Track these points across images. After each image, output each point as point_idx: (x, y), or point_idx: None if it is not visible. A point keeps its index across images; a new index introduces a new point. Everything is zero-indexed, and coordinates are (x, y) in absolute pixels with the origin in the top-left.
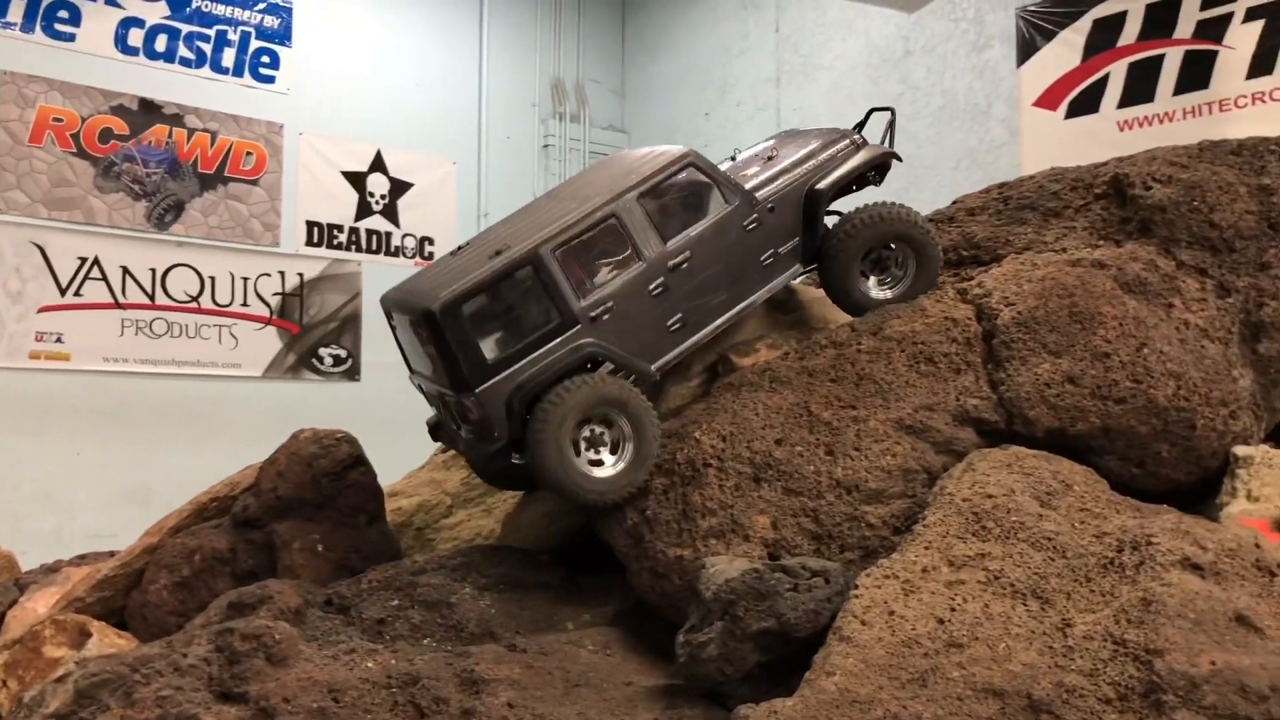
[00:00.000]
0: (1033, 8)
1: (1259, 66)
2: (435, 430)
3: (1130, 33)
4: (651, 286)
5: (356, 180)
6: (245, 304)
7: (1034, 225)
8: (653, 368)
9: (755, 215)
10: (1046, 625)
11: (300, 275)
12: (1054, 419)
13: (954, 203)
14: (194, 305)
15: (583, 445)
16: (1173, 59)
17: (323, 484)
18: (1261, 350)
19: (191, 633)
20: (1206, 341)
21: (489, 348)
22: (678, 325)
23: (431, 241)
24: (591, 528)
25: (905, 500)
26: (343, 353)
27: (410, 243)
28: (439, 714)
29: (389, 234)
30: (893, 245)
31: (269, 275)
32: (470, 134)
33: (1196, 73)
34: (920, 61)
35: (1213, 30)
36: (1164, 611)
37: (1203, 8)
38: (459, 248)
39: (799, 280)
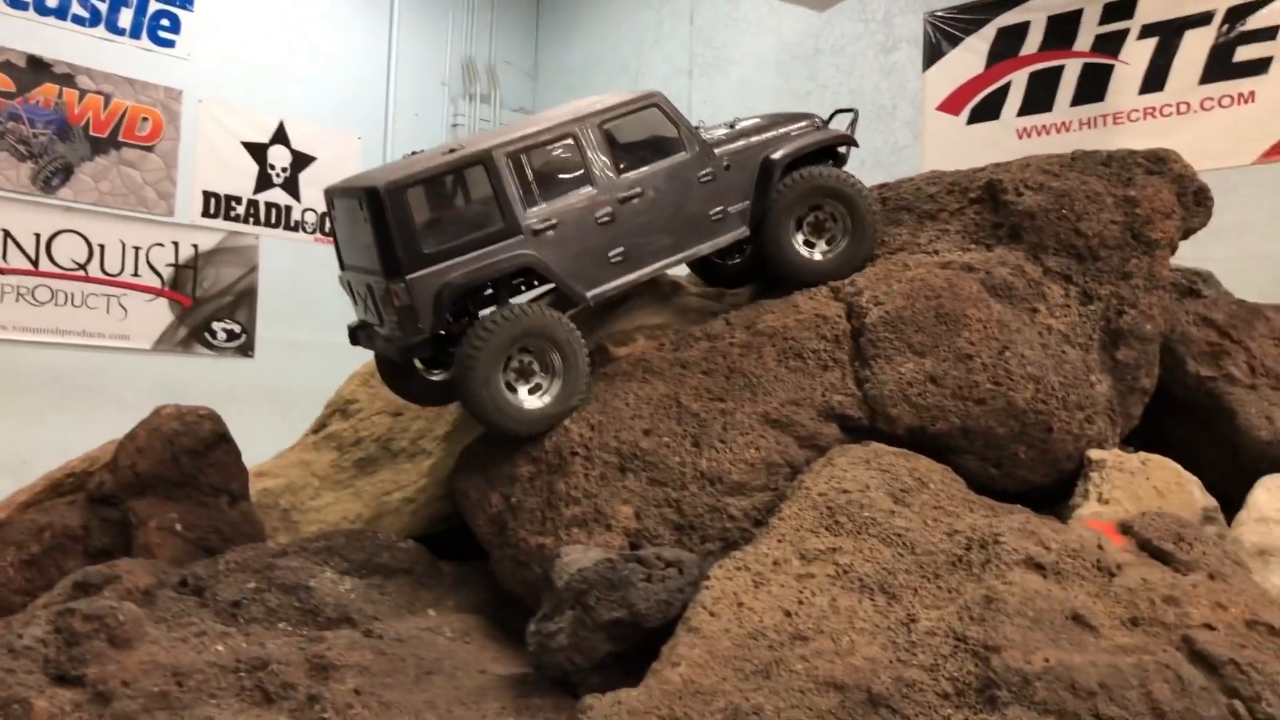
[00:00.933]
0: (940, 13)
1: (1151, 82)
2: (355, 334)
3: (1033, 42)
4: (599, 214)
5: (257, 152)
6: (136, 274)
7: (909, 226)
8: (588, 294)
9: (711, 169)
10: (891, 620)
11: (195, 247)
12: (915, 417)
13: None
14: (81, 273)
15: (512, 375)
16: (1072, 70)
17: (184, 462)
18: (1120, 357)
19: (32, 613)
20: (1067, 347)
21: (427, 238)
22: (619, 258)
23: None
24: (460, 513)
25: (768, 493)
26: (237, 328)
27: (311, 217)
28: (285, 699)
29: (289, 208)
30: (827, 207)
31: (162, 245)
32: (377, 109)
33: (1094, 85)
34: (830, 60)
35: (1110, 44)
36: (1004, 609)
37: (1101, 22)
38: (413, 152)
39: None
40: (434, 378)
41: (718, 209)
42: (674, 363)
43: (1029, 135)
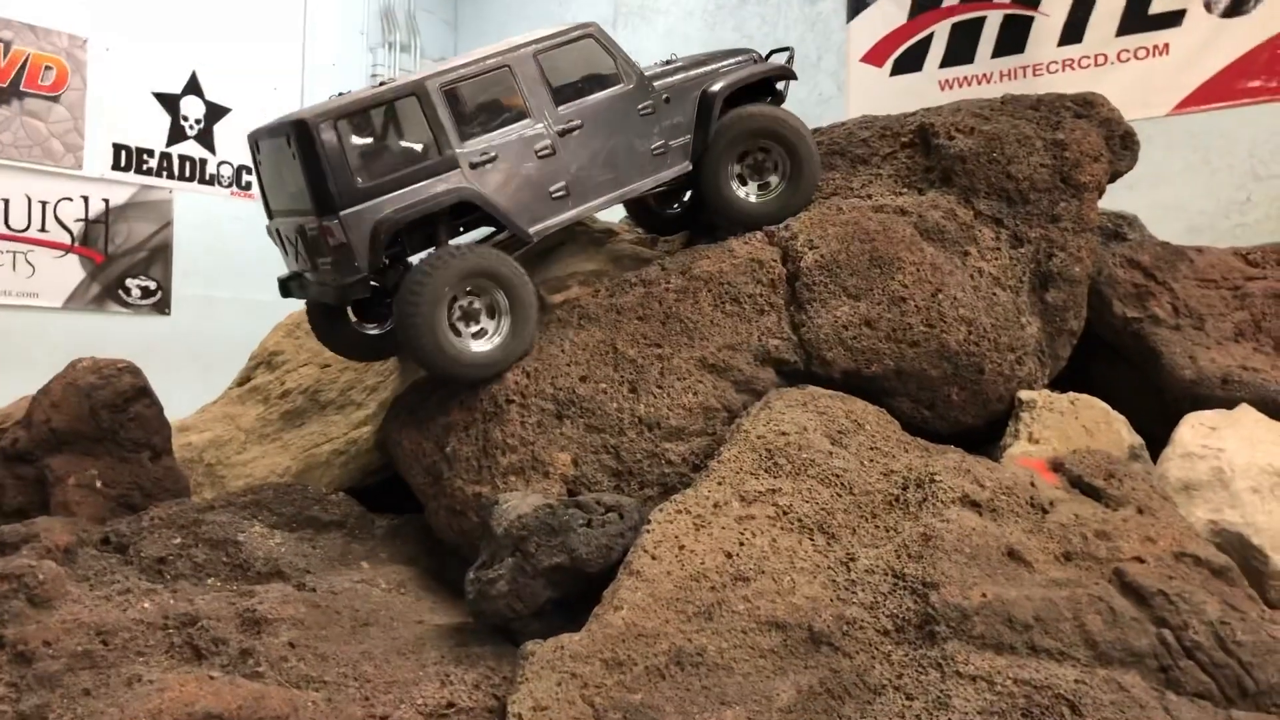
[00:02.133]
0: None
1: (1070, 34)
2: (286, 285)
3: None
4: (538, 147)
5: (169, 102)
6: (44, 229)
7: (842, 171)
8: (530, 229)
9: (650, 102)
10: (831, 559)
11: (105, 201)
12: (850, 360)
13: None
14: None
15: (456, 318)
16: (993, 22)
17: (102, 416)
18: (1049, 299)
19: None
20: (998, 289)
21: (361, 172)
22: (561, 193)
23: (249, 171)
24: (392, 465)
25: (705, 438)
26: (152, 284)
27: (227, 171)
28: (217, 655)
29: (204, 160)
30: (766, 148)
31: (70, 200)
32: (294, 59)
33: (1014, 37)
34: (755, 10)
35: None
36: (941, 546)
37: None
38: (340, 93)
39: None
40: (368, 330)
41: (659, 144)
42: (610, 309)
43: (951, 87)
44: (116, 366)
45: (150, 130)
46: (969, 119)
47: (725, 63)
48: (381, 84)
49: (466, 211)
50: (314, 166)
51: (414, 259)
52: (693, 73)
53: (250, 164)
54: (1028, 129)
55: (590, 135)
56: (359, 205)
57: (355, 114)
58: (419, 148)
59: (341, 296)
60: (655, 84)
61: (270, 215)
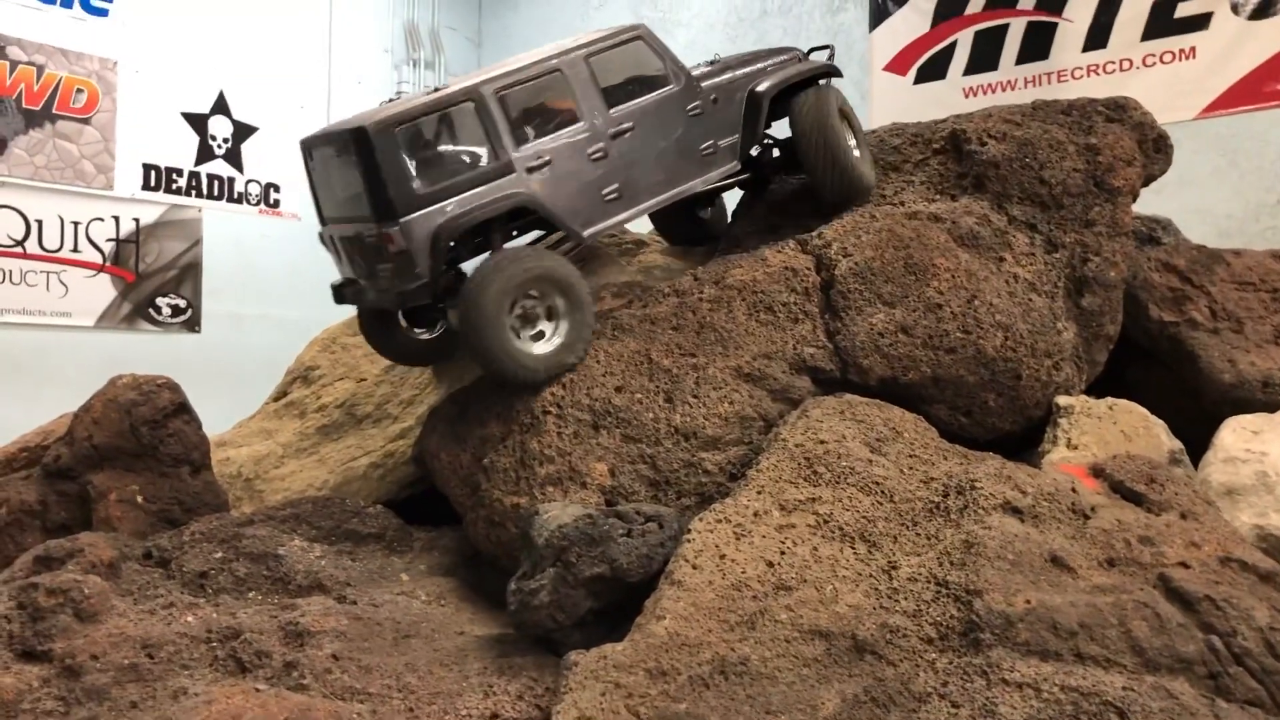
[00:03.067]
0: None
1: (1094, 40)
2: (341, 291)
3: (977, 1)
4: (591, 150)
5: (197, 122)
6: (76, 249)
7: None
8: (585, 233)
9: (699, 103)
10: (873, 568)
11: (136, 220)
12: (887, 368)
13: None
14: (18, 250)
15: (516, 321)
16: (1016, 29)
17: (142, 432)
18: (1085, 304)
19: None
20: (1034, 295)
21: (419, 179)
22: (614, 195)
23: (277, 189)
24: (429, 477)
25: (742, 447)
26: (182, 303)
27: (255, 189)
28: (261, 667)
29: (232, 179)
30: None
31: (102, 220)
32: (320, 78)
33: (1038, 43)
34: (776, 22)
35: (1053, 2)
36: (984, 553)
37: None
38: (393, 98)
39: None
40: (419, 336)
41: (708, 144)
42: (643, 319)
43: (975, 94)
44: (156, 383)
45: (179, 150)
46: (1000, 125)
47: (770, 61)
48: (435, 89)
49: (520, 215)
50: (373, 174)
51: (467, 263)
52: (739, 72)
53: (304, 171)
54: (1060, 134)
55: (641, 137)
56: (418, 212)
57: (412, 121)
58: (475, 153)
59: (402, 302)
60: (703, 85)
61: (323, 222)
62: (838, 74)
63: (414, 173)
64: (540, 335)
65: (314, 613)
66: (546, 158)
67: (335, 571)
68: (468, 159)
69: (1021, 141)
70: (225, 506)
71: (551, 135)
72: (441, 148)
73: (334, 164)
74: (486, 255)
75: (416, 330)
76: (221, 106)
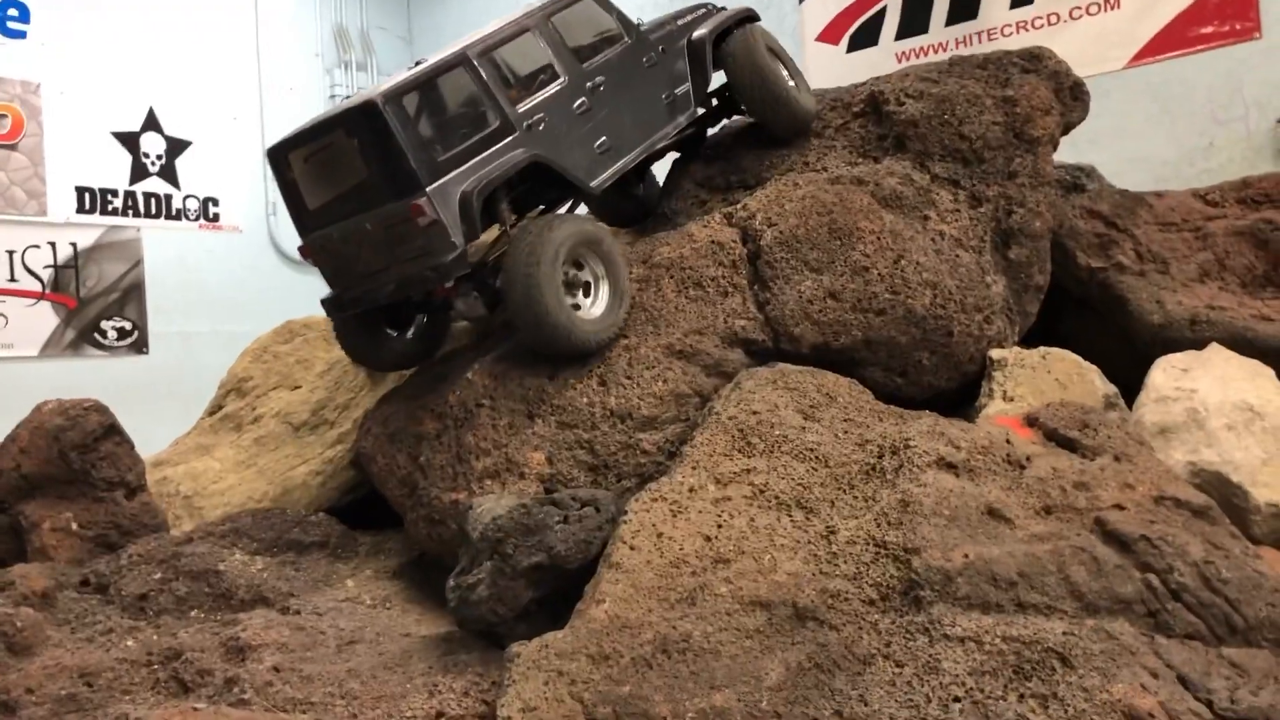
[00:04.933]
0: None
1: None
2: (339, 301)
3: None
4: (576, 104)
5: (129, 141)
6: (13, 279)
7: (797, 146)
8: (591, 184)
9: (651, 54)
10: (811, 534)
11: (73, 245)
12: (818, 335)
13: (721, 128)
14: None
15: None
16: None
17: (72, 458)
18: (1012, 256)
19: None
20: (961, 251)
21: (436, 146)
22: (605, 148)
23: (216, 202)
24: (369, 481)
25: (679, 424)
26: (127, 325)
27: (193, 204)
28: (203, 686)
29: (169, 196)
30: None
31: (38, 247)
32: (250, 87)
33: (966, 3)
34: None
35: None
36: (920, 511)
37: None
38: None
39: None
40: (401, 339)
41: (667, 93)
42: None
43: (908, 58)
44: (83, 406)
45: (112, 170)
46: (917, 83)
47: (691, 15)
48: (417, 63)
49: (522, 181)
50: (390, 147)
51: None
52: (673, 25)
53: (277, 182)
54: (976, 88)
55: (613, 90)
56: (443, 178)
57: (415, 89)
58: (478, 116)
59: (441, 277)
60: (649, 37)
61: (308, 230)
62: (756, 18)
63: (430, 140)
64: (582, 303)
65: (255, 626)
66: (541, 114)
67: (278, 583)
68: (473, 122)
69: (939, 99)
70: (164, 527)
71: (539, 93)
72: (446, 115)
73: (326, 158)
74: (520, 227)
75: (398, 333)
76: (152, 123)
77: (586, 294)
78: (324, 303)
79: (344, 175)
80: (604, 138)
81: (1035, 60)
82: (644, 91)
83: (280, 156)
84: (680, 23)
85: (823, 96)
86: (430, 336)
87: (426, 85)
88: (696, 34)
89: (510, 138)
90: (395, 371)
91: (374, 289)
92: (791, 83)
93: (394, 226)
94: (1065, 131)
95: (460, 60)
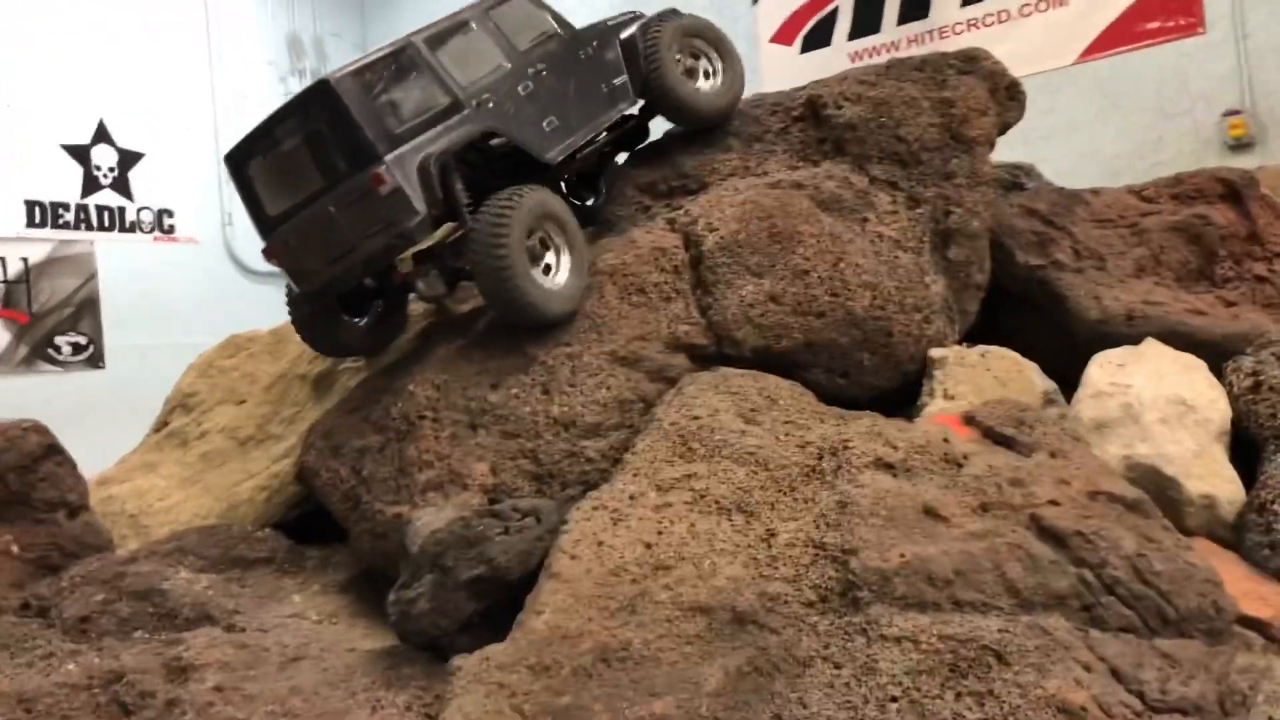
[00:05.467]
0: None
1: None
2: (309, 297)
3: None
4: (520, 87)
5: (79, 153)
6: None
7: (738, 151)
8: (545, 156)
9: (586, 48)
10: (751, 538)
11: (24, 260)
12: (760, 338)
13: (664, 134)
14: None
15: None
16: None
17: (10, 480)
18: (951, 256)
19: None
20: (900, 252)
21: (390, 119)
22: (553, 126)
23: (171, 214)
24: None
25: (623, 431)
26: (83, 339)
27: (147, 216)
28: (145, 709)
29: (122, 209)
30: (699, 44)
31: None
32: (204, 97)
33: (917, 2)
34: (661, 3)
35: None
36: (858, 512)
37: None
38: None
39: None
40: (358, 324)
41: (605, 84)
42: None
43: (861, 58)
44: (21, 427)
45: (63, 183)
46: (855, 87)
47: (624, 17)
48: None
49: (473, 163)
50: (347, 122)
51: None
52: (605, 26)
53: (236, 188)
54: (913, 90)
55: (555, 76)
56: (399, 149)
57: (364, 72)
58: (427, 94)
59: (409, 242)
60: (581, 34)
61: (270, 229)
62: (679, 14)
63: (384, 114)
64: (547, 270)
65: (199, 645)
66: (487, 94)
67: (223, 600)
68: (423, 101)
69: (877, 102)
70: (109, 546)
71: (485, 77)
72: (396, 94)
73: (282, 155)
74: (483, 205)
75: (355, 319)
76: (103, 135)
77: (549, 264)
78: (289, 302)
79: (300, 167)
80: (551, 117)
81: (971, 61)
82: (584, 80)
83: (239, 159)
84: (610, 24)
85: (762, 101)
86: (389, 323)
87: (376, 66)
88: (625, 33)
89: (460, 114)
90: (349, 356)
91: (341, 273)
92: (706, 81)
93: (356, 201)
94: (1002, 131)
95: (406, 45)
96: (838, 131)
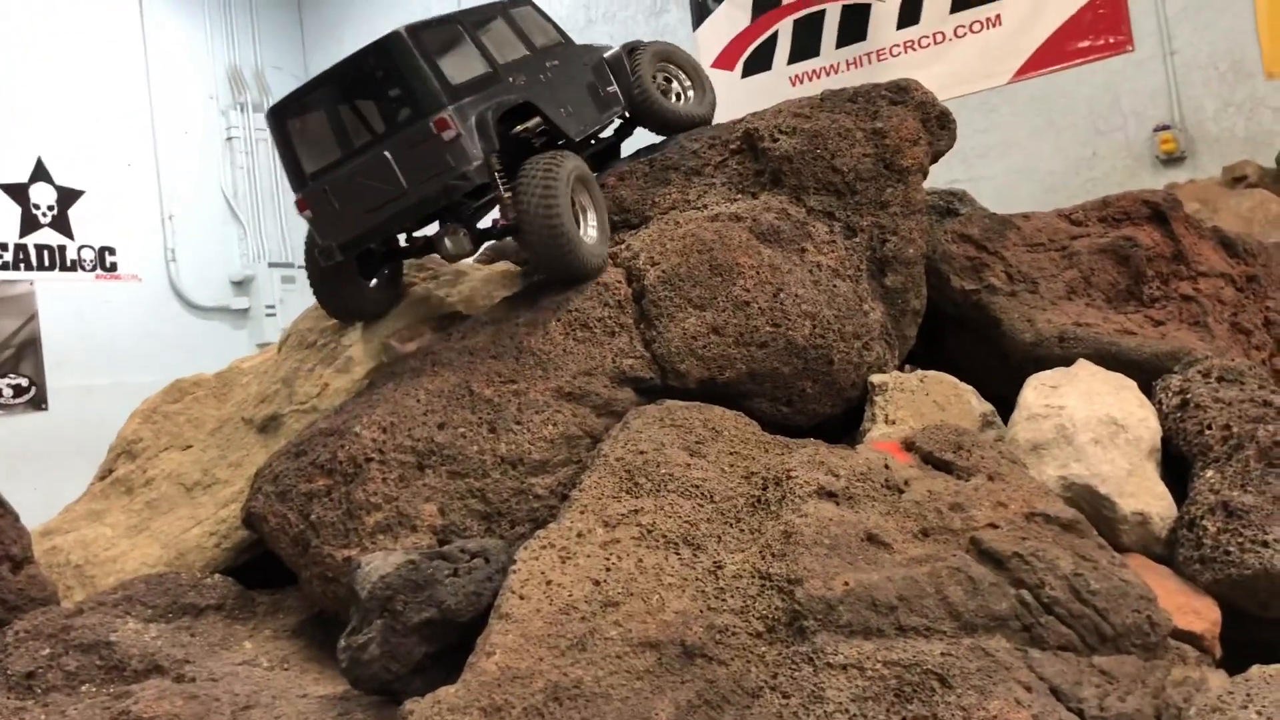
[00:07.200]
0: None
1: (907, 17)
2: (327, 252)
3: None
4: (540, 75)
5: (17, 192)
6: None
7: (678, 185)
8: (572, 131)
9: (584, 59)
10: (698, 570)
11: None
12: (703, 370)
13: (606, 170)
14: None
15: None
16: (833, 14)
17: None
18: (888, 283)
19: None
20: (838, 280)
21: (452, 73)
22: (568, 112)
23: (113, 251)
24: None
25: (571, 467)
26: (24, 381)
27: (89, 255)
28: None
29: (63, 247)
30: (670, 66)
31: None
32: (144, 132)
33: (854, 25)
34: (603, 30)
35: None
36: (802, 541)
37: None
38: None
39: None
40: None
41: (600, 88)
42: (462, 351)
43: (801, 81)
44: None
45: (0, 223)
46: (790, 119)
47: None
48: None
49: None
50: (416, 69)
51: None
52: (591, 46)
53: (275, 143)
54: (847, 122)
55: (565, 72)
56: (459, 101)
57: (423, 31)
58: (475, 61)
59: (467, 183)
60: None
61: (305, 183)
62: (660, 44)
63: (446, 67)
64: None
65: (147, 699)
66: (519, 72)
67: (173, 650)
68: (467, 66)
69: (811, 134)
70: (55, 599)
71: (512, 58)
72: (451, 54)
73: (342, 98)
74: (528, 161)
75: (369, 282)
76: (42, 173)
77: (582, 222)
78: (318, 252)
79: (349, 119)
80: (567, 104)
81: (903, 92)
82: (584, 82)
83: (284, 113)
84: (592, 46)
85: (700, 135)
86: (392, 289)
87: (431, 30)
88: (610, 52)
89: (499, 84)
90: (360, 320)
91: (388, 218)
92: (679, 99)
93: (418, 145)
94: (934, 160)
95: (450, 18)
96: (774, 164)
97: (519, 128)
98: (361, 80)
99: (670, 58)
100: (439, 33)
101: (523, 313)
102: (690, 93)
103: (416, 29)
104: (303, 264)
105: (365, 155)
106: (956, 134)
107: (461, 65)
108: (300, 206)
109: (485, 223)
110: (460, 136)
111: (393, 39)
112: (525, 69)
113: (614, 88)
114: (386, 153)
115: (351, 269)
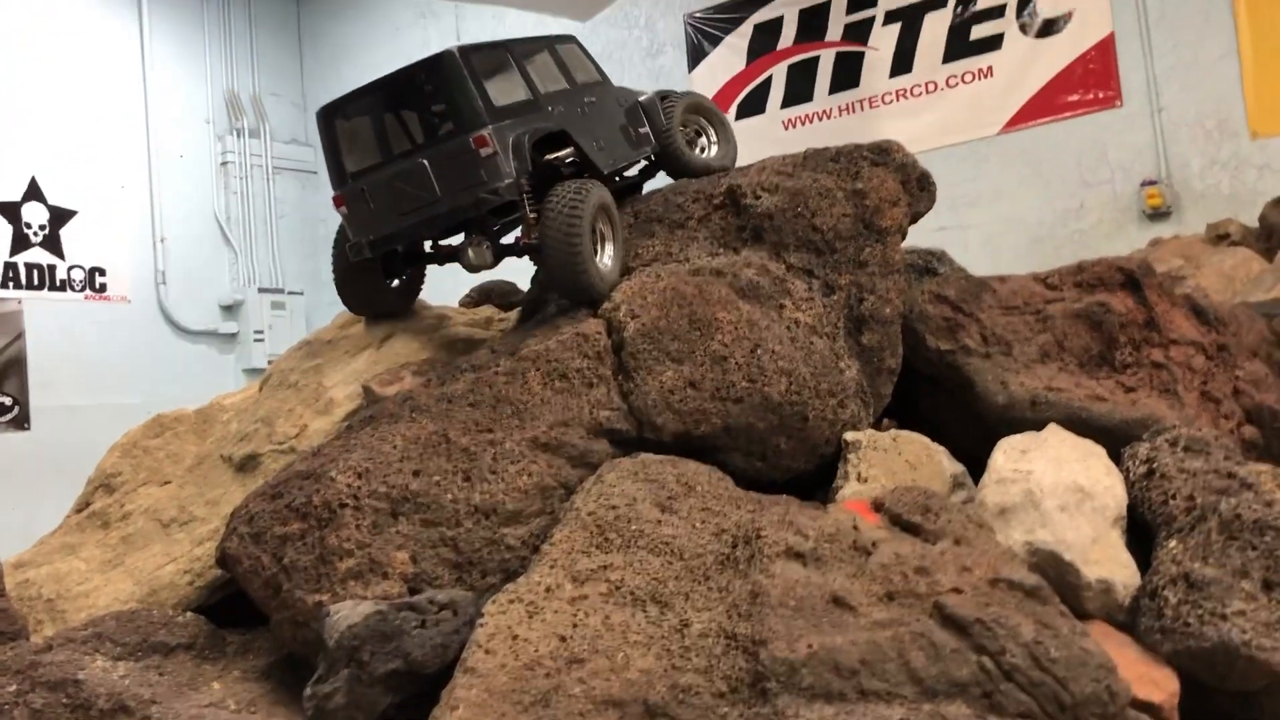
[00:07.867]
0: (699, 14)
1: (899, 66)
2: (358, 249)
3: (788, 36)
4: (579, 109)
5: (9, 211)
6: None
7: (661, 238)
8: (604, 168)
9: (620, 97)
10: (665, 629)
11: None
12: (679, 423)
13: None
14: None
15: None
16: (826, 60)
17: None
18: (865, 341)
19: None
20: (815, 338)
21: (495, 96)
22: (600, 147)
23: (103, 272)
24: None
25: (544, 518)
26: (8, 400)
27: (79, 275)
28: None
29: (53, 267)
30: (700, 119)
31: None
32: (139, 155)
33: (847, 72)
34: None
35: (858, 32)
36: (768, 602)
37: (849, 11)
38: None
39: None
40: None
41: (634, 128)
42: (440, 398)
43: (794, 126)
44: None
45: None
46: (773, 177)
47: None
48: None
49: (554, 142)
50: (463, 88)
51: None
52: (623, 90)
53: (323, 140)
54: (828, 181)
55: (601, 110)
56: (499, 122)
57: (474, 54)
58: (516, 87)
59: (498, 198)
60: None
61: (345, 182)
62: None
63: (488, 91)
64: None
65: None
66: (558, 103)
67: (140, 690)
68: (510, 92)
69: (793, 192)
70: (24, 634)
71: (553, 90)
72: (496, 78)
73: (388, 107)
74: (557, 187)
75: (391, 282)
76: (35, 193)
77: (600, 250)
78: (348, 247)
79: (393, 127)
80: (601, 139)
81: (884, 153)
82: (619, 121)
83: (334, 113)
84: (631, 89)
85: (685, 189)
86: (412, 290)
87: (485, 49)
88: (644, 97)
89: (539, 112)
90: (380, 316)
91: (419, 222)
92: (705, 152)
93: (455, 158)
94: (914, 220)
95: (500, 45)
96: (756, 220)
97: (551, 155)
98: (410, 92)
99: (701, 110)
100: (488, 57)
101: (503, 361)
102: (715, 147)
103: (468, 50)
104: (293, 290)
105: (404, 162)
106: (936, 195)
107: (505, 89)
108: (337, 203)
109: (508, 239)
110: (496, 154)
111: (445, 57)
112: (564, 101)
113: (646, 129)
114: (425, 161)
115: (376, 267)
